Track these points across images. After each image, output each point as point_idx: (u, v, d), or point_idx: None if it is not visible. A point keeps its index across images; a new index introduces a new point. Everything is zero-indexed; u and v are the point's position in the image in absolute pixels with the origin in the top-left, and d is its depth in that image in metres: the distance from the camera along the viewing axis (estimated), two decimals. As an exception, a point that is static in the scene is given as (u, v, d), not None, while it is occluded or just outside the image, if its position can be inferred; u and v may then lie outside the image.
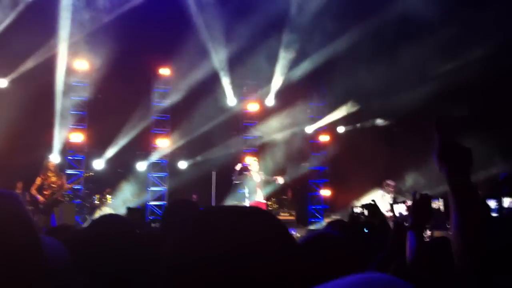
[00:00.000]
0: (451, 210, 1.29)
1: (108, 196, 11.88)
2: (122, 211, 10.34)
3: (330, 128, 15.36)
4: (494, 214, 4.67)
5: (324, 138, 15.45)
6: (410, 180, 12.04)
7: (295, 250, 0.78)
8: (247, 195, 9.49)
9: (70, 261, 1.41)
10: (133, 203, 11.74)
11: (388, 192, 10.04)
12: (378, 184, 10.38)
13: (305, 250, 1.35)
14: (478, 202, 1.31)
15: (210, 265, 0.71)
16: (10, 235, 0.97)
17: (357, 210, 3.23)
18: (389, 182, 10.16)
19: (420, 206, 2.11)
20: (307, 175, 15.27)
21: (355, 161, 12.97)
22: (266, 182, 9.65)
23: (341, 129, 15.43)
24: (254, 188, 9.36)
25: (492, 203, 4.86)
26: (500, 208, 4.84)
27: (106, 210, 10.80)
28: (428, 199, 2.14)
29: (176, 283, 0.74)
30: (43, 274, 1.02)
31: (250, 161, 9.95)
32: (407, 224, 2.18)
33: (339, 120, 15.02)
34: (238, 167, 9.42)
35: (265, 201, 9.57)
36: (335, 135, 15.38)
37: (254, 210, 0.84)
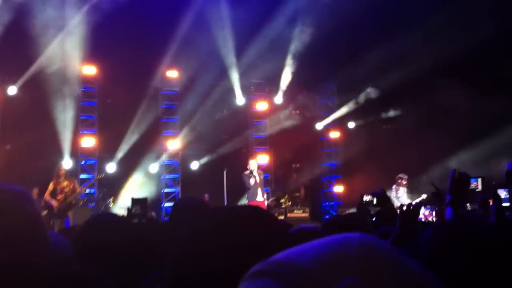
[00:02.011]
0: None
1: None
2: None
3: (340, 124, 15.30)
4: (505, 204, 4.65)
5: (335, 134, 15.38)
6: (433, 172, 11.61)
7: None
8: (246, 194, 9.43)
9: (73, 255, 1.48)
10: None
11: (402, 186, 9.95)
12: (391, 177, 10.27)
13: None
14: None
15: (209, 262, 0.76)
16: (18, 229, 1.00)
17: (367, 198, 3.19)
18: (402, 175, 10.06)
19: (459, 184, 2.15)
20: (320, 172, 15.22)
21: (367, 156, 12.88)
22: None
23: (351, 125, 15.36)
24: (255, 187, 9.28)
25: (502, 193, 4.86)
26: (511, 197, 4.80)
27: (120, 212, 10.86)
28: (466, 177, 2.19)
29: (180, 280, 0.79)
30: (46, 267, 1.05)
31: (250, 161, 9.87)
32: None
33: (349, 115, 14.94)
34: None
35: (264, 200, 9.49)
36: (345, 131, 15.31)
37: (252, 209, 0.89)
